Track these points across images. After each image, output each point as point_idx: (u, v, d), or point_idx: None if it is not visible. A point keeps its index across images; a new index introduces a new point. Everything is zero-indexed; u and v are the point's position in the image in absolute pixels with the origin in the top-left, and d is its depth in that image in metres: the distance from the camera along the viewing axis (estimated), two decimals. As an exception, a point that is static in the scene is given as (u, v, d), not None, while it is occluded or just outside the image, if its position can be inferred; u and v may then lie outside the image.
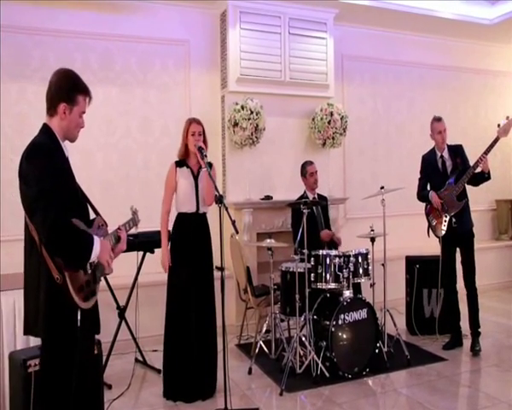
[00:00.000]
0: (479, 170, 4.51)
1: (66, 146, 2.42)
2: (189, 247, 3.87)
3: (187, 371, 3.79)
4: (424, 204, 4.89)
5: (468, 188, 4.71)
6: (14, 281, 3.89)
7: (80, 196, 2.47)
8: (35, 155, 2.22)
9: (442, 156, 4.77)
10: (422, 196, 4.86)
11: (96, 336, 3.35)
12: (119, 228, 2.65)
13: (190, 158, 3.94)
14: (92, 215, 2.57)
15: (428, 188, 4.84)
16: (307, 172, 5.15)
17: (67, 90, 2.34)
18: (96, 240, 2.29)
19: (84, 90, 2.40)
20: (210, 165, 3.71)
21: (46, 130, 2.35)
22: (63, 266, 2.19)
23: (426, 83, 7.15)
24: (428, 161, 4.88)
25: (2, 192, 4.76)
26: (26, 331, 2.35)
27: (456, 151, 4.75)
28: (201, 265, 3.89)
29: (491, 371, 4.27)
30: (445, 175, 4.72)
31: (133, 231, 4.31)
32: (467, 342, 4.73)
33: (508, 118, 4.47)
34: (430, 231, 4.85)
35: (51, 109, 2.35)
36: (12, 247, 4.31)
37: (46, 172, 2.18)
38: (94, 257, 2.29)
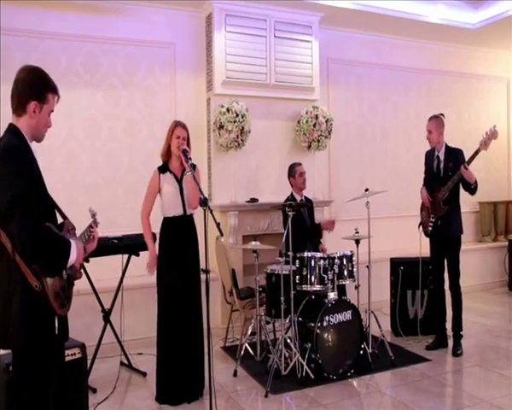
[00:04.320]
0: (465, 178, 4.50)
1: (34, 147, 2.31)
2: (177, 250, 3.86)
3: (173, 374, 3.79)
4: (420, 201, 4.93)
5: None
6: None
7: (49, 199, 2.36)
8: (7, 158, 2.10)
9: (438, 157, 4.76)
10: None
11: (81, 340, 3.36)
12: (91, 226, 2.58)
13: (172, 160, 3.92)
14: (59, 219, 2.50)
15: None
16: (296, 172, 5.15)
17: (38, 88, 2.24)
18: (73, 245, 2.22)
19: (54, 89, 2.31)
20: (194, 166, 3.71)
21: (14, 131, 2.22)
22: (41, 272, 2.10)
23: (410, 86, 7.24)
24: (428, 157, 4.92)
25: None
26: None
27: (452, 155, 4.70)
28: (189, 267, 3.88)
29: (474, 371, 4.33)
30: (438, 175, 4.72)
31: (118, 234, 4.37)
32: (451, 343, 4.78)
33: (492, 128, 4.47)
34: (420, 227, 4.91)
35: (19, 108, 2.23)
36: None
37: (20, 176, 2.07)
38: (71, 262, 2.21)
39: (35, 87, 2.25)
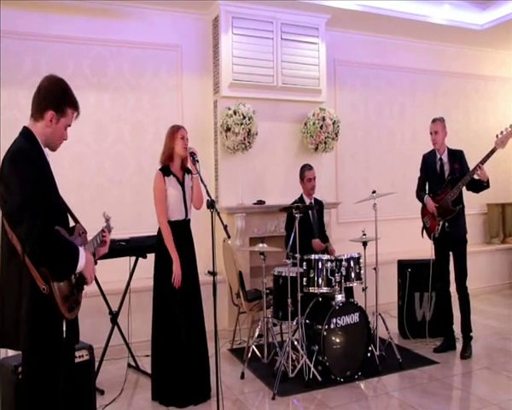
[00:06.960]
0: (476, 178, 4.50)
1: (47, 151, 2.35)
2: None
3: (177, 376, 3.78)
4: (420, 205, 4.89)
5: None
6: None
7: (61, 202, 2.39)
8: (17, 161, 2.14)
9: (441, 159, 4.74)
10: (420, 196, 4.87)
11: (89, 342, 3.37)
12: (103, 230, 2.61)
13: (174, 163, 3.89)
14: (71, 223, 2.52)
15: (427, 187, 4.84)
16: (305, 177, 5.12)
17: (58, 99, 2.28)
18: (82, 252, 2.24)
19: (74, 104, 2.35)
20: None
21: (27, 133, 2.26)
22: (49, 276, 2.12)
23: (417, 88, 7.21)
24: (428, 161, 4.87)
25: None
26: (4, 344, 2.24)
27: (456, 156, 4.70)
28: (188, 270, 3.86)
29: (482, 373, 4.30)
30: (443, 178, 4.70)
31: (125, 236, 4.38)
32: (459, 346, 4.75)
33: (509, 127, 4.42)
34: (424, 232, 4.88)
35: (37, 114, 2.27)
36: None
37: (29, 180, 2.10)
38: (79, 269, 2.23)
39: (55, 98, 2.28)
